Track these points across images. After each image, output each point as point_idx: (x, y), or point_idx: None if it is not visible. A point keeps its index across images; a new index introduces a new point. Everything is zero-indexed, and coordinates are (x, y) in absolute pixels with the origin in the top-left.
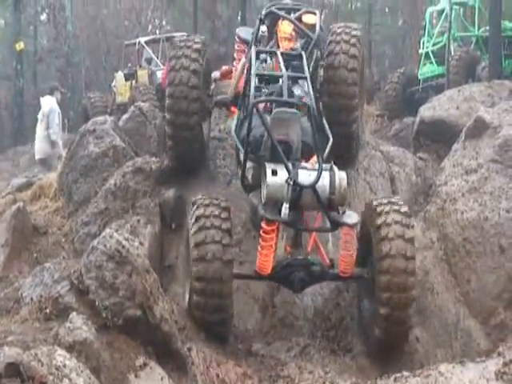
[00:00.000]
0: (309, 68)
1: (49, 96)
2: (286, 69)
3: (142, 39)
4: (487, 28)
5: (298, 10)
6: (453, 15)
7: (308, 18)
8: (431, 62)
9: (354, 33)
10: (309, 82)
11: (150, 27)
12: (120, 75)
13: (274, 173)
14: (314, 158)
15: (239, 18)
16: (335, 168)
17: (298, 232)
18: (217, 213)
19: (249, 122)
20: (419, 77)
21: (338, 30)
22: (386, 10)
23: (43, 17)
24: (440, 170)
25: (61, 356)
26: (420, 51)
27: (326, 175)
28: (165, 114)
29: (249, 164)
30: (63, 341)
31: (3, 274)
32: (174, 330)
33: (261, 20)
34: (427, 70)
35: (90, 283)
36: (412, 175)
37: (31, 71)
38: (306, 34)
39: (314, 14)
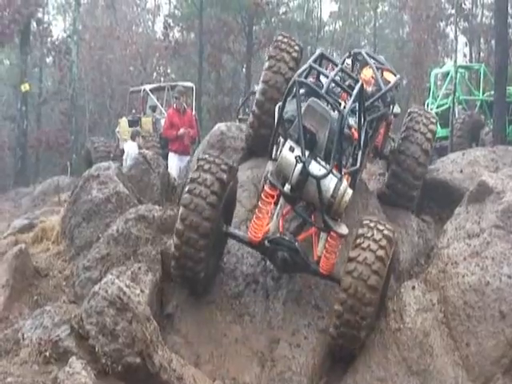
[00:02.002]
0: (370, 114)
1: (130, 141)
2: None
3: (147, 86)
4: (492, 92)
5: (383, 64)
6: (458, 78)
7: (386, 75)
8: None
9: (432, 119)
10: (352, 97)
11: (154, 75)
12: (124, 121)
13: (291, 149)
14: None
15: (244, 69)
16: (345, 181)
17: (303, 220)
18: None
19: (285, 94)
20: None
21: (419, 112)
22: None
23: (49, 59)
24: (442, 232)
25: None
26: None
27: (333, 179)
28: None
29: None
30: None
31: (3, 315)
32: (172, 380)
33: (350, 54)
34: None
35: (90, 328)
36: (414, 236)
37: (35, 113)
38: (378, 84)
39: (395, 75)
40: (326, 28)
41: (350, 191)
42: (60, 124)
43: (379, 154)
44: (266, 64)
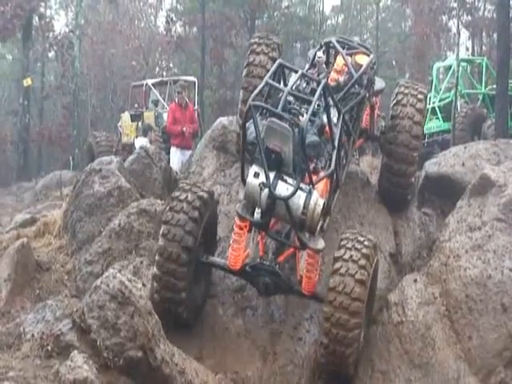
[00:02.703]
0: (348, 103)
1: (142, 137)
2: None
3: (150, 81)
4: (494, 86)
5: (357, 48)
6: (460, 72)
7: (359, 58)
8: (437, 118)
9: (420, 89)
10: (312, 106)
11: (157, 69)
12: (126, 116)
13: (256, 175)
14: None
15: None
16: (315, 193)
17: (281, 243)
18: (190, 199)
19: (243, 122)
20: (425, 131)
21: (406, 84)
22: (394, 62)
23: (51, 54)
24: (444, 225)
25: None
26: (426, 106)
27: (302, 195)
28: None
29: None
30: (64, 379)
31: (5, 309)
32: (174, 373)
33: (321, 46)
34: (433, 125)
35: (91, 322)
36: (416, 230)
37: (37, 107)
38: (349, 71)
39: (368, 56)
40: (329, 22)
41: (321, 202)
42: (62, 118)
43: (369, 135)
44: (241, 94)
